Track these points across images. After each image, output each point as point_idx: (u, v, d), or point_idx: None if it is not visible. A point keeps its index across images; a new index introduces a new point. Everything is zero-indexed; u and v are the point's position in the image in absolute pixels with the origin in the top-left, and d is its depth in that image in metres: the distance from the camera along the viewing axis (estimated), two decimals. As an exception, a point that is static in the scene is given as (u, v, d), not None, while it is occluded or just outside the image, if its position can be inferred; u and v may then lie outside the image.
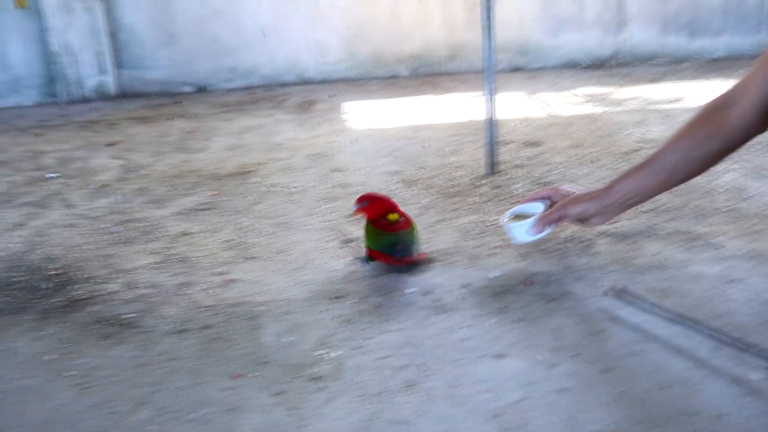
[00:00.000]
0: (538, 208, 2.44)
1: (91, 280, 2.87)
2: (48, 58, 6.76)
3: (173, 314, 2.54)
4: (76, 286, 2.82)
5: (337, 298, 2.58)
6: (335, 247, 3.02)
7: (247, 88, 6.81)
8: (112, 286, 2.80)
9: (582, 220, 2.33)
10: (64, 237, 3.33)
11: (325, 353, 2.24)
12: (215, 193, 3.81)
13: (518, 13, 7.11)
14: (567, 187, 2.48)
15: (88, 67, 6.69)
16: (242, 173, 4.11)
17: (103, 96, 6.78)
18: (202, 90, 6.86)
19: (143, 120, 5.81)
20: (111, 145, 5.03)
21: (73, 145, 5.15)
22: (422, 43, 6.97)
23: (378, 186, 3.71)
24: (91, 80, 6.73)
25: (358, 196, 2.78)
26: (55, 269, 3.00)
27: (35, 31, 6.69)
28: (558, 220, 2.38)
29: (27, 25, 6.70)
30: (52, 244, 3.29)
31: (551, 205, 2.41)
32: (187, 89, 6.86)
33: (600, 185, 2.32)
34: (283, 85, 6.81)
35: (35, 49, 6.78)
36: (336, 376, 2.12)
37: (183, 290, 2.71)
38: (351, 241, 3.07)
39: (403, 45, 6.96)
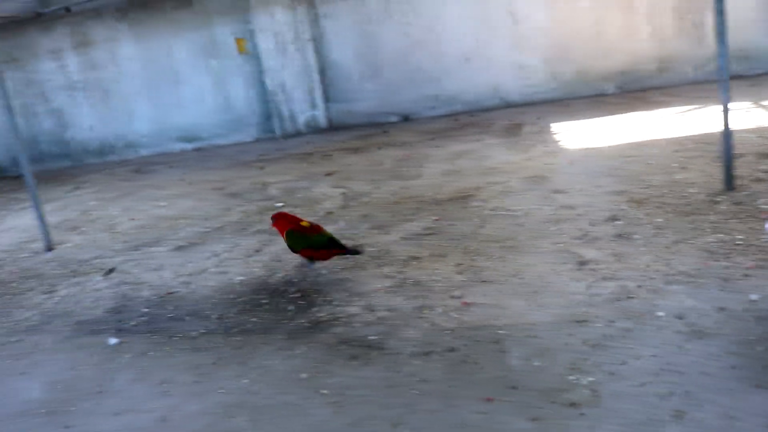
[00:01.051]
0: None
1: (332, 303, 2.98)
2: (265, 97, 7.27)
3: (415, 337, 2.56)
4: (318, 309, 2.95)
5: (581, 321, 2.48)
6: (571, 270, 2.92)
7: (451, 115, 6.88)
8: (352, 309, 2.89)
9: None
10: (299, 262, 3.49)
11: (579, 379, 2.15)
12: (437, 217, 3.85)
13: (734, 16, 6.61)
14: None
15: (301, 103, 7.10)
16: (461, 198, 4.12)
17: (314, 129, 7.16)
18: (406, 119, 7.03)
19: (355, 150, 6.04)
20: (329, 174, 5.26)
21: (294, 176, 5.46)
22: (629, 57, 6.69)
23: (604, 207, 3.56)
24: (303, 115, 7.14)
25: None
26: (296, 292, 3.16)
27: (254, 73, 7.24)
28: None
29: (247, 68, 7.27)
30: (288, 268, 3.47)
31: None
32: (393, 119, 7.06)
33: None
34: (486, 109, 6.81)
35: (254, 90, 7.33)
36: (594, 402, 2.02)
37: (421, 313, 2.74)
38: (586, 263, 2.95)
39: (608, 61, 6.72)
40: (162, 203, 5.38)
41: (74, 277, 3.95)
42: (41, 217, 4.67)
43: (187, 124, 7.77)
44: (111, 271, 3.91)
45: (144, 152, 8.10)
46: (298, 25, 6.80)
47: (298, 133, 7.19)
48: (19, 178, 8.71)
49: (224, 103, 7.50)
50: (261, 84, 7.24)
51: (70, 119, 8.27)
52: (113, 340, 2.99)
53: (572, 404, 2.02)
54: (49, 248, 4.62)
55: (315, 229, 3.33)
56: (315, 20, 6.91)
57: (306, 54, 6.89)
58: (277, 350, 2.66)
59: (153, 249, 4.21)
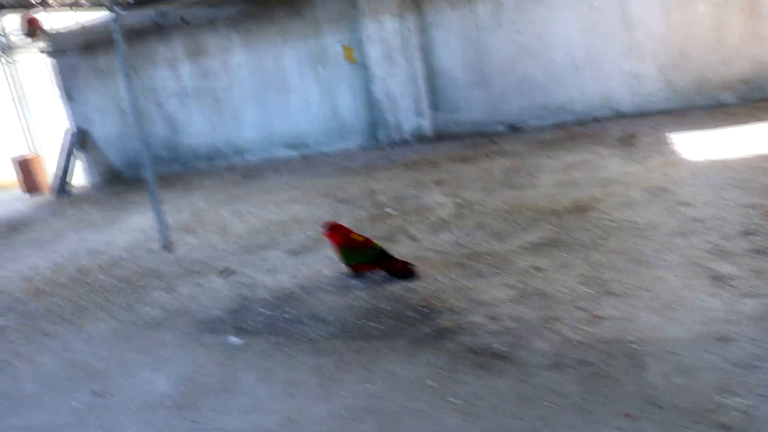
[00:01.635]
0: None
1: (454, 311, 2.94)
2: (371, 106, 7.32)
3: (545, 348, 2.49)
4: (441, 316, 2.91)
5: (723, 339, 2.35)
6: (705, 285, 2.77)
7: (560, 125, 6.72)
8: (476, 318, 2.84)
9: None
10: (418, 269, 3.47)
11: (728, 399, 2.03)
12: (556, 228, 3.75)
13: None
14: None
15: (407, 112, 7.11)
16: (580, 209, 4.01)
17: (419, 139, 7.15)
18: (513, 128, 6.92)
19: (463, 159, 5.99)
20: (438, 183, 5.23)
21: (403, 183, 5.46)
22: (752, 65, 6.35)
23: (736, 220, 3.38)
24: (408, 124, 7.15)
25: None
26: (417, 299, 3.14)
27: (361, 81, 7.31)
28: None
29: (354, 77, 7.34)
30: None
31: None
32: (500, 128, 6.98)
33: None
34: (597, 119, 6.62)
35: (360, 99, 7.39)
36: (748, 426, 1.90)
37: (549, 324, 2.66)
38: (722, 278, 2.80)
39: (729, 69, 6.41)
40: (272, 208, 5.49)
41: (191, 276, 4.08)
42: (161, 219, 4.84)
43: (293, 132, 7.93)
44: (227, 271, 4.01)
45: (251, 158, 8.31)
46: (406, 34, 6.82)
47: (403, 142, 7.20)
48: (135, 182, 9.14)
49: (330, 111, 7.60)
50: (367, 92, 7.30)
51: (182, 125, 8.59)
52: (234, 340, 3.06)
53: (723, 426, 1.91)
54: (167, 248, 4.79)
55: (366, 243, 3.50)
56: (423, 28, 6.91)
57: (413, 62, 6.90)
58: (401, 356, 2.64)
59: (267, 252, 4.30)
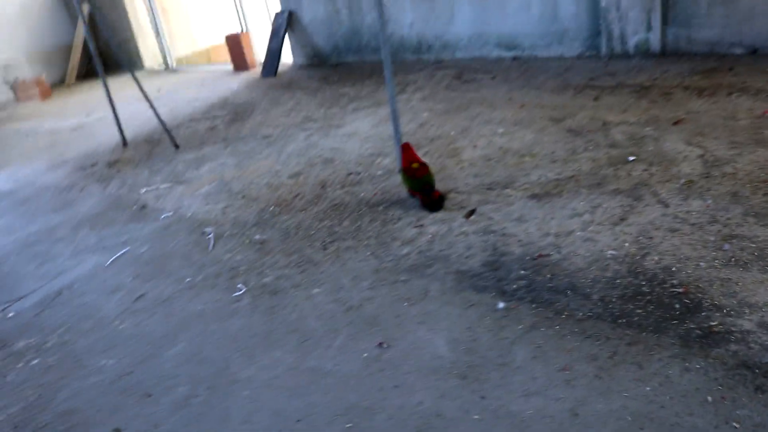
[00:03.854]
0: None
1: (720, 310, 2.96)
2: (596, 14, 6.99)
3: (832, 380, 2.50)
4: (708, 314, 2.95)
5: None
6: None
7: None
8: (746, 324, 2.85)
9: None
10: (671, 244, 3.47)
11: None
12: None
13: None
14: None
15: (634, 24, 6.74)
16: None
17: (643, 53, 6.82)
18: (754, 52, 6.40)
19: (698, 91, 5.68)
20: (676, 123, 5.04)
21: (635, 117, 5.30)
22: None
23: None
24: (635, 37, 6.80)
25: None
26: (677, 286, 3.17)
27: (588, -13, 6.95)
28: None
29: (582, -19, 6.98)
30: (662, 250, 3.46)
31: None
32: (737, 50, 6.47)
33: None
34: None
35: (585, 4, 7.06)
36: None
37: (835, 349, 2.65)
38: None
39: None
40: (499, 130, 5.54)
41: (438, 211, 4.27)
42: (398, 134, 4.93)
43: (508, 31, 7.76)
44: (473, 212, 4.17)
45: (460, 55, 8.28)
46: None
47: (625, 55, 6.89)
48: (339, 65, 9.40)
49: (551, 14, 7.33)
50: (593, 0, 6.95)
51: (392, 15, 8.61)
52: (501, 304, 3.25)
53: None
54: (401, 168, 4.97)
55: (420, 171, 4.13)
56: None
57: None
58: (673, 358, 2.72)
59: (507, 192, 4.40)
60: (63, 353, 3.45)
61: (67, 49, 12.68)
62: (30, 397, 3.16)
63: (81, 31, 12.65)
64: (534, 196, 4.26)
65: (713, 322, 2.90)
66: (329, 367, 2.99)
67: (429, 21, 8.27)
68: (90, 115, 9.37)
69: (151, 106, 6.80)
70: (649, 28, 6.67)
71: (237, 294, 3.69)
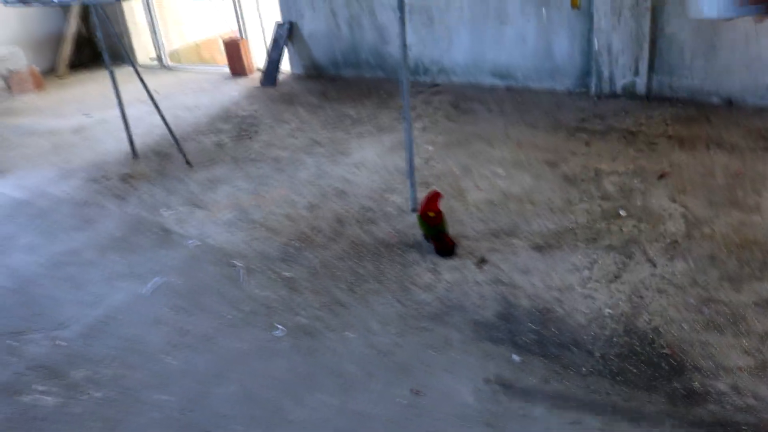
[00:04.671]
0: None
1: (700, 372, 3.46)
2: (588, 55, 7.50)
3: (791, 442, 3.03)
4: (689, 375, 3.44)
5: None
6: None
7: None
8: (720, 385, 3.35)
9: None
10: (659, 305, 4.00)
11: None
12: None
13: None
14: None
15: (623, 68, 7.27)
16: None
17: (630, 95, 7.35)
18: (729, 103, 6.96)
19: (680, 142, 6.17)
20: (661, 177, 5.54)
21: (625, 167, 5.78)
22: None
23: None
24: (623, 79, 7.33)
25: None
26: (664, 347, 3.69)
27: (582, 29, 7.46)
28: None
29: (575, 24, 7.49)
30: (652, 311, 3.97)
31: None
32: (714, 100, 7.03)
33: None
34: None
35: (578, 45, 7.58)
36: None
37: (792, 414, 3.16)
38: None
39: None
40: (499, 170, 6.01)
41: (452, 258, 4.73)
42: (412, 168, 5.27)
43: (503, 62, 8.24)
44: (483, 261, 4.66)
45: (456, 80, 8.73)
46: (640, -7, 6.84)
47: (613, 95, 7.41)
48: (336, 79, 9.76)
49: (545, 50, 7.82)
50: (587, 41, 7.45)
51: (392, 36, 9.01)
52: (516, 357, 3.74)
53: None
54: (414, 208, 5.37)
55: (436, 220, 4.66)
56: (659, -10, 6.89)
57: (641, 22, 6.94)
58: (664, 416, 3.23)
59: (512, 240, 4.87)
60: (120, 387, 3.81)
61: (56, 38, 12.72)
62: (96, 430, 3.53)
63: (73, 21, 12.74)
64: (537, 247, 4.74)
65: (694, 382, 3.41)
66: (372, 411, 3.42)
67: (428, 45, 8.69)
68: (90, 115, 9.54)
69: (162, 117, 7.00)
70: (636, 72, 7.19)
71: (276, 334, 4.11)
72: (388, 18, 8.93)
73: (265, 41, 10.72)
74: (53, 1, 6.26)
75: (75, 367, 4.06)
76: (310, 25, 9.75)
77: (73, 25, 12.68)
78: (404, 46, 4.88)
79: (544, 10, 7.61)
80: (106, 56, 6.95)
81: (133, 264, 5.17)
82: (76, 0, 6.26)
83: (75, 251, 5.48)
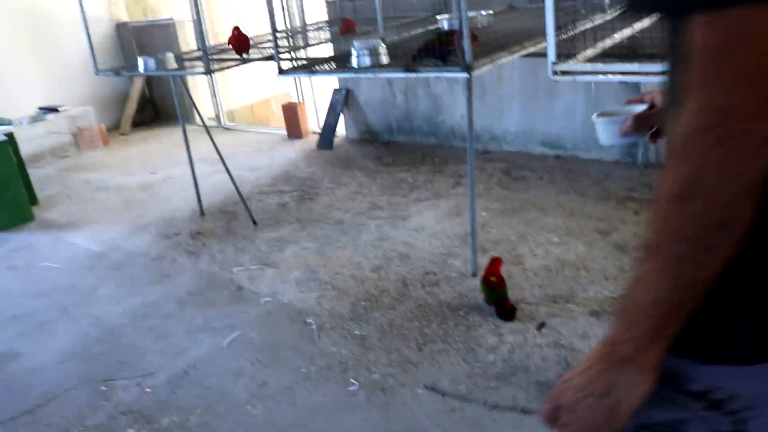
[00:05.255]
0: (636, 109, 1.82)
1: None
2: (636, 127, 7.84)
3: None
4: None
5: None
6: None
7: None
8: None
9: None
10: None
11: None
12: None
13: None
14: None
15: (670, 140, 7.59)
16: None
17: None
18: None
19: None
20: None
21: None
22: None
23: None
24: (670, 151, 7.64)
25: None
26: None
27: (631, 104, 7.81)
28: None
29: (622, 98, 7.82)
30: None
31: (651, 108, 1.77)
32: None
33: None
34: None
35: (626, 118, 7.92)
36: None
37: None
38: None
39: None
40: (554, 238, 6.33)
41: (512, 321, 5.03)
42: (474, 233, 5.67)
43: (553, 132, 8.62)
44: (543, 325, 4.94)
45: (506, 147, 9.13)
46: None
47: (658, 165, 7.70)
48: (390, 143, 10.24)
49: (593, 122, 8.17)
50: (634, 115, 7.80)
51: (446, 105, 9.49)
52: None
53: None
54: (474, 272, 5.75)
55: (497, 284, 4.94)
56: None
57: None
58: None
59: (569, 306, 5.16)
60: (208, 434, 4.16)
61: (122, 98, 13.49)
62: (195, 473, 3.86)
63: (138, 82, 13.52)
64: (593, 313, 5.01)
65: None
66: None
67: (479, 114, 9.12)
68: (155, 172, 10.10)
69: (230, 176, 7.48)
70: (682, 144, 7.50)
71: (352, 389, 4.42)
72: (442, 88, 9.42)
73: (315, 105, 11.27)
74: (141, 72, 6.77)
75: (164, 414, 4.41)
76: (366, 93, 10.28)
77: (138, 86, 13.46)
78: (470, 120, 5.26)
79: (593, 84, 8.01)
80: (180, 118, 7.49)
81: (209, 318, 5.54)
82: (166, 72, 6.77)
83: (154, 304, 5.89)
